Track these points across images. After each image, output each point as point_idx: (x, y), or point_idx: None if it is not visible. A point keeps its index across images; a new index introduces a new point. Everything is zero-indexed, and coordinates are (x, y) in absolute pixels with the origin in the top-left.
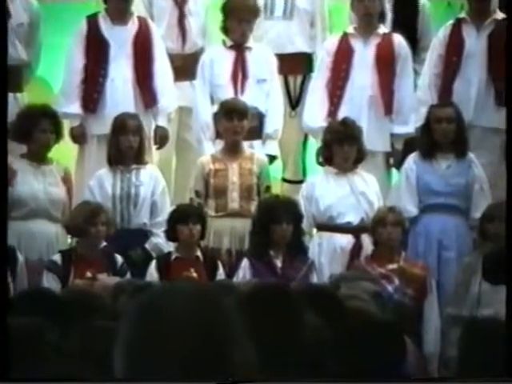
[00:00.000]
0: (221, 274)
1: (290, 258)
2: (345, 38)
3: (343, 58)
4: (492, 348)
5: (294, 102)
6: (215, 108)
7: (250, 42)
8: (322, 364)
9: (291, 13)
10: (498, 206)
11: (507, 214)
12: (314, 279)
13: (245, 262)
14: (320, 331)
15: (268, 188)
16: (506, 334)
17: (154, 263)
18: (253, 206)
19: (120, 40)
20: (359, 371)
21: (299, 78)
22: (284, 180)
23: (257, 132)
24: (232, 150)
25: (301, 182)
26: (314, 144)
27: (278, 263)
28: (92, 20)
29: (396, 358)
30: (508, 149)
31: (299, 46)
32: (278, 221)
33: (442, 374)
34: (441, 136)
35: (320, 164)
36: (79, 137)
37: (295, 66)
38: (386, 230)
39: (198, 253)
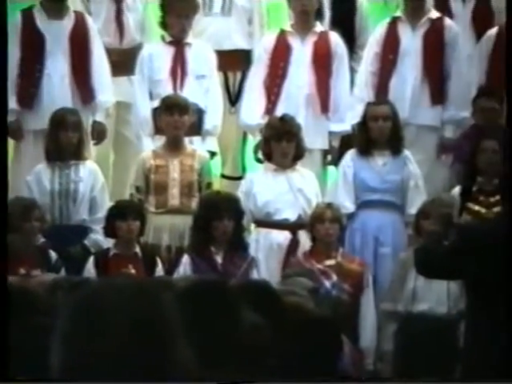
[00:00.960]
0: (160, 270)
1: (231, 254)
2: (282, 36)
3: (280, 56)
4: (426, 342)
5: (234, 98)
6: (154, 103)
7: (190, 38)
8: (261, 360)
9: (229, 9)
10: (432, 202)
11: (507, 214)
12: (255, 275)
13: (185, 258)
14: (258, 328)
15: (209, 185)
16: (444, 329)
17: (91, 259)
18: (193, 203)
19: (56, 35)
20: (296, 367)
21: (239, 75)
22: (223, 176)
23: (196, 128)
24: (173, 145)
25: (240, 178)
26: (252, 141)
27: (219, 259)
28: (27, 13)
29: (333, 352)
30: (509, 146)
31: (237, 42)
32: (219, 217)
33: (377, 368)
34: (377, 134)
35: (258, 161)
36: (15, 132)
37: (234, 62)
38: (323, 227)
39: (137, 249)
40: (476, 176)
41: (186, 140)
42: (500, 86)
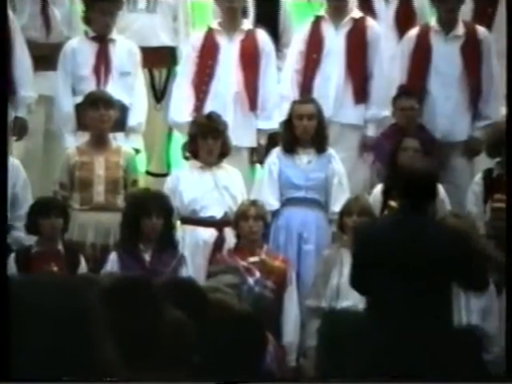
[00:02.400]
0: (83, 267)
1: (160, 251)
2: (210, 34)
3: (208, 54)
4: (350, 338)
5: (159, 95)
6: (77, 99)
7: (114, 34)
8: (186, 358)
9: (154, 6)
10: (356, 199)
11: (507, 214)
12: (184, 273)
13: (113, 256)
14: (182, 325)
15: (135, 181)
16: (367, 325)
17: (12, 257)
18: (119, 200)
19: None
20: (221, 363)
21: (164, 72)
22: (147, 173)
23: (120, 124)
24: (98, 142)
25: (165, 175)
26: (181, 138)
27: (147, 257)
28: None
29: (257, 349)
30: (508, 150)
31: (163, 39)
32: (147, 215)
33: (300, 364)
34: (302, 132)
35: (186, 158)
36: None
37: (159, 59)
38: (247, 224)
39: (60, 246)
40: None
41: (110, 136)
42: (419, 86)
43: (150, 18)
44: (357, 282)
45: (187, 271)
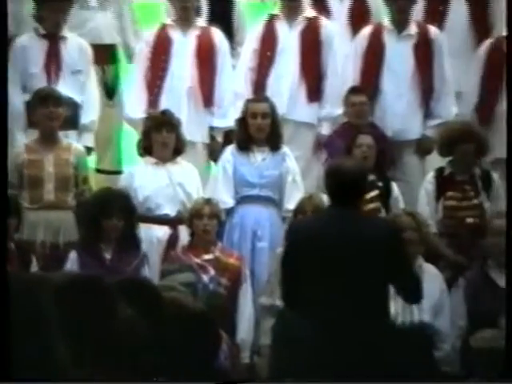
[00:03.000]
0: (34, 266)
1: (121, 250)
2: (163, 29)
3: (162, 49)
4: (303, 335)
5: (111, 92)
6: (27, 97)
7: (65, 32)
8: (139, 357)
9: (106, 3)
10: (309, 198)
11: (507, 213)
12: (145, 272)
13: (73, 255)
14: (135, 324)
15: (86, 179)
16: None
17: None
18: (69, 198)
19: None
20: (176, 361)
21: (113, 68)
22: (98, 171)
23: (72, 122)
24: (48, 139)
25: (117, 172)
26: (134, 135)
27: (108, 256)
28: None
29: (211, 346)
30: (508, 149)
31: (114, 36)
32: (109, 214)
33: (254, 362)
34: (256, 130)
35: (141, 155)
36: None
37: (111, 56)
38: (201, 222)
39: (11, 245)
40: None
41: (62, 134)
42: (372, 84)
43: (102, 15)
44: (289, 294)
45: (149, 270)
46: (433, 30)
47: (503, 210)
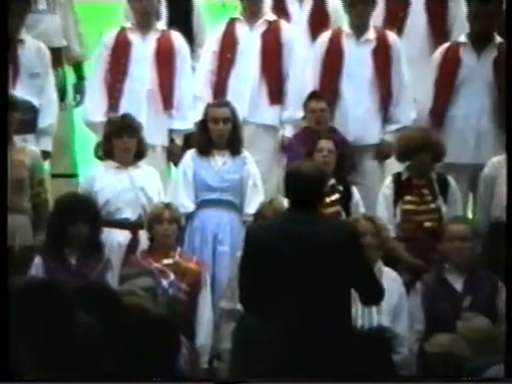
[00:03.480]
0: None
1: (86, 256)
2: (122, 32)
3: (121, 52)
4: (264, 338)
5: (63, 94)
6: None
7: (22, 35)
8: (96, 362)
9: (54, 6)
10: (270, 202)
11: (507, 214)
12: (110, 277)
13: (38, 260)
14: (93, 329)
15: (41, 181)
16: None
17: None
18: (24, 201)
19: None
20: (136, 366)
21: (65, 71)
22: (53, 175)
23: (30, 126)
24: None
25: (72, 175)
26: (91, 138)
27: (73, 261)
28: None
29: (171, 351)
30: (508, 149)
31: (62, 39)
32: (74, 219)
33: (214, 366)
34: (217, 136)
35: (99, 158)
36: None
37: (61, 59)
38: (161, 227)
39: None
40: None
41: (20, 139)
42: (331, 89)
43: (52, 18)
44: (246, 296)
45: (113, 275)
46: (391, 35)
47: (460, 214)
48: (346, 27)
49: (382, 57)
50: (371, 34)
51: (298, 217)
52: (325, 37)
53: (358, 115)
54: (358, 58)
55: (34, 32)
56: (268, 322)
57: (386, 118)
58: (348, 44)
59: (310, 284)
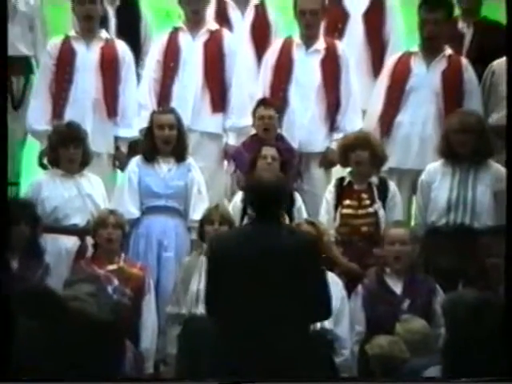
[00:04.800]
0: None
1: (27, 260)
2: (67, 41)
3: (66, 61)
4: (208, 342)
5: (17, 102)
6: None
7: None
8: (39, 365)
9: (13, 17)
10: (216, 208)
11: (507, 213)
12: (49, 282)
13: None
14: (36, 333)
15: None
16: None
17: None
18: None
19: None
20: (80, 370)
21: (22, 80)
22: None
23: None
24: None
25: (16, 183)
26: (37, 146)
27: (15, 265)
28: None
29: (115, 355)
30: (508, 151)
31: (20, 48)
32: (15, 223)
33: (160, 371)
34: (162, 142)
35: (42, 166)
36: None
37: (17, 68)
38: (106, 231)
39: None
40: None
41: None
42: (280, 97)
43: (11, 28)
44: (211, 301)
45: (57, 280)
46: (340, 45)
47: (400, 218)
48: (296, 37)
49: (331, 66)
50: (320, 44)
51: (261, 227)
52: (276, 46)
53: (305, 123)
54: (307, 68)
55: None
56: (228, 326)
57: (334, 127)
58: (298, 53)
59: (270, 290)
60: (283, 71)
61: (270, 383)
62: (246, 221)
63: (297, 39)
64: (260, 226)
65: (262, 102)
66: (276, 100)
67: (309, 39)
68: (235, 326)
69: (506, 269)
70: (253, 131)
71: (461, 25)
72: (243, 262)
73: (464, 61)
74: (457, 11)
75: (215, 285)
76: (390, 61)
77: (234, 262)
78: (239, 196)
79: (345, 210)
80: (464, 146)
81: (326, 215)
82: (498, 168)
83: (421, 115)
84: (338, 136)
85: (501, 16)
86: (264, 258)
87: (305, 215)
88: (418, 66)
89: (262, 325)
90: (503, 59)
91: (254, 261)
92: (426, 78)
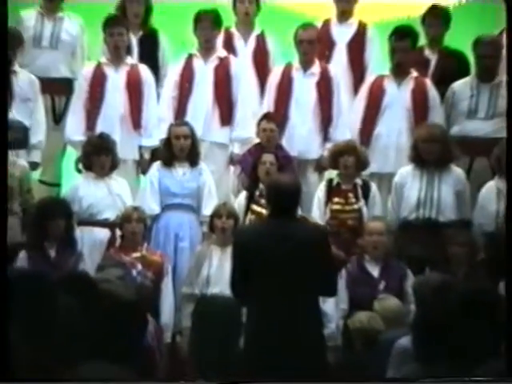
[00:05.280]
0: None
1: (62, 249)
2: (99, 67)
3: (98, 83)
4: (221, 317)
5: (58, 117)
6: None
7: (16, 67)
8: (79, 339)
9: (56, 43)
10: (224, 205)
11: (507, 213)
12: (81, 267)
13: (22, 254)
14: (75, 311)
15: (29, 190)
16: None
17: None
18: (15, 206)
19: None
20: (110, 342)
21: (63, 99)
22: (42, 182)
23: (22, 142)
24: None
25: (57, 184)
26: (74, 153)
27: (52, 254)
28: None
29: (139, 329)
30: (508, 152)
31: (63, 71)
32: (52, 217)
33: (176, 341)
34: (179, 150)
35: (78, 171)
36: None
37: (59, 88)
38: (130, 226)
39: None
40: (258, 183)
41: (14, 153)
42: (281, 113)
43: (52, 53)
44: (238, 284)
45: (85, 266)
46: (333, 69)
47: (379, 214)
48: (295, 62)
49: (325, 87)
50: (316, 69)
51: (280, 220)
52: (278, 70)
53: (302, 134)
54: (304, 88)
55: (34, 65)
56: (254, 307)
57: (326, 138)
58: (296, 76)
59: (288, 273)
60: (284, 91)
61: (269, 383)
62: (249, 215)
63: (296, 64)
64: (279, 219)
65: (265, 116)
66: (278, 115)
67: (306, 64)
68: (259, 305)
69: (507, 270)
70: (256, 140)
71: (427, 52)
72: (265, 251)
73: (428, 82)
74: (424, 41)
75: (241, 271)
76: (366, 83)
77: (258, 250)
78: (243, 195)
79: (334, 206)
80: (430, 153)
81: (318, 210)
82: (458, 171)
83: (395, 128)
84: (329, 145)
85: (461, 45)
86: (283, 246)
87: (299, 212)
88: (390, 86)
89: (281, 305)
90: (462, 80)
91: (274, 249)
92: (397, 97)
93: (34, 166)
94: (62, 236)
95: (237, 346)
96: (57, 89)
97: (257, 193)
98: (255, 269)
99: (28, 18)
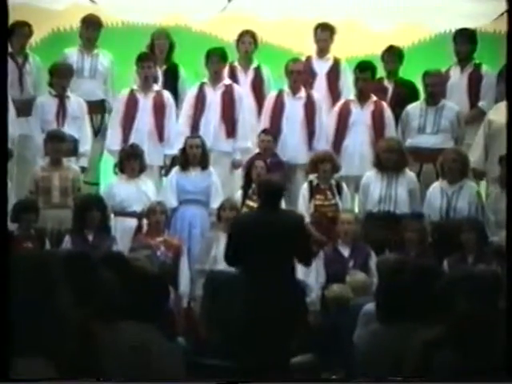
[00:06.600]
0: (47, 245)
1: (99, 234)
2: (132, 92)
3: (131, 105)
4: (224, 289)
5: (97, 130)
6: (44, 136)
7: (68, 92)
8: (117, 302)
9: (94, 74)
10: (227, 200)
11: (507, 214)
12: (115, 249)
13: (67, 238)
14: (114, 284)
15: (79, 189)
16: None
17: None
18: (69, 201)
19: None
20: (140, 305)
21: (99, 116)
22: (85, 182)
23: (73, 151)
24: (55, 163)
25: (96, 184)
26: (111, 159)
27: (90, 238)
28: None
29: (163, 297)
30: (508, 152)
31: (99, 95)
32: (90, 209)
33: (191, 306)
34: (192, 157)
35: (115, 173)
36: None
37: (96, 108)
38: (155, 216)
39: (32, 231)
40: (251, 183)
41: (66, 159)
42: (276, 128)
43: (91, 81)
44: (229, 257)
45: (117, 247)
46: (315, 94)
47: (348, 207)
48: (286, 88)
49: (309, 108)
50: (302, 93)
51: (265, 211)
52: (272, 94)
53: (293, 145)
54: (293, 109)
55: (79, 90)
56: (247, 276)
57: (311, 148)
58: (287, 99)
59: (272, 249)
60: (277, 111)
61: (269, 383)
62: (244, 209)
63: (286, 89)
64: (266, 209)
65: (264, 131)
66: (273, 130)
67: (294, 90)
68: (250, 275)
69: (507, 271)
70: (256, 150)
71: (386, 82)
72: (254, 233)
73: (385, 105)
74: (383, 73)
75: (234, 247)
76: (337, 105)
77: (248, 232)
78: (240, 192)
79: (316, 202)
80: (389, 160)
81: (304, 205)
82: (411, 174)
83: (359, 141)
84: (311, 154)
85: (412, 77)
86: (268, 229)
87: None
88: (354, 108)
89: (268, 274)
90: (414, 104)
91: (261, 231)
92: (360, 117)
93: (82, 170)
94: (97, 224)
95: (237, 308)
96: (95, 109)
97: (250, 191)
98: (247, 246)
99: (71, 55)
